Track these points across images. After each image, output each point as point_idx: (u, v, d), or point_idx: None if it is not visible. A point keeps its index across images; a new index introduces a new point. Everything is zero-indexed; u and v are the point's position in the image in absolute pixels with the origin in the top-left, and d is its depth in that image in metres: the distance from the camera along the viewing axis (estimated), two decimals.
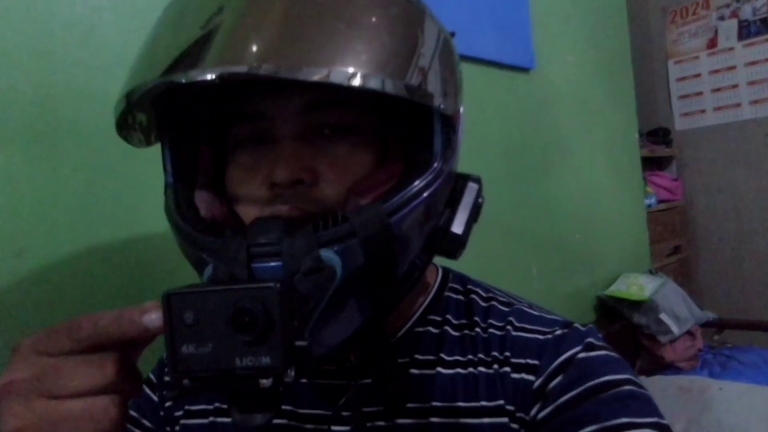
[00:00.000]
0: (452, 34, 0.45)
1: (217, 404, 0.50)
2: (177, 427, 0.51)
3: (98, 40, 0.70)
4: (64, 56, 0.68)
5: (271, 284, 0.29)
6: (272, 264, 0.35)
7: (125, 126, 0.44)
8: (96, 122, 0.69)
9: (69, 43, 0.68)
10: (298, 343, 0.29)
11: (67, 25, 0.68)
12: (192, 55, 0.34)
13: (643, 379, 1.54)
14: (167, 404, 0.52)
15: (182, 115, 0.45)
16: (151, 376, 0.55)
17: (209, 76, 0.32)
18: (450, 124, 0.42)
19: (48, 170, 0.66)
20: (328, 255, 0.35)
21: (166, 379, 0.53)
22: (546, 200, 1.51)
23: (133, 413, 0.54)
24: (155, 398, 0.53)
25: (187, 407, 0.51)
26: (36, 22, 0.66)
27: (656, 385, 1.49)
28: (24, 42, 0.65)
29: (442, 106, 0.39)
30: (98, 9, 0.71)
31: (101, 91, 0.70)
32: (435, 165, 0.40)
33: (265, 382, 0.28)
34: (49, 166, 0.66)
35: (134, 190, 0.72)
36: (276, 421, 0.46)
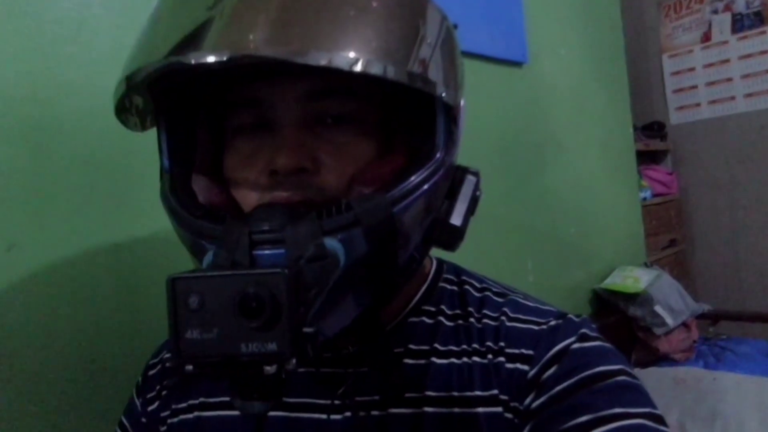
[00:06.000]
0: (455, 26, 0.44)
1: (202, 399, 0.49)
2: (163, 427, 0.51)
3: (88, 35, 0.70)
4: (54, 51, 0.67)
5: (279, 270, 0.29)
6: (274, 251, 0.35)
7: (123, 109, 0.43)
8: (87, 116, 0.69)
9: (59, 39, 0.68)
10: (306, 329, 0.29)
11: (56, 20, 0.67)
12: (196, 37, 0.33)
13: (638, 371, 1.55)
14: (149, 408, 0.52)
15: (179, 99, 0.44)
16: (139, 381, 0.55)
17: (213, 58, 0.32)
18: (452, 115, 0.42)
19: (39, 165, 0.66)
20: (332, 243, 0.35)
21: (167, 365, 0.53)
22: (541, 194, 1.51)
23: (126, 422, 0.54)
24: (138, 405, 0.53)
25: (174, 406, 0.51)
26: (25, 18, 0.65)
27: (651, 377, 1.50)
28: (13, 37, 0.64)
29: (444, 95, 0.38)
30: (87, 4, 0.70)
31: (92, 85, 0.69)
32: (437, 156, 0.41)
33: (269, 369, 0.28)
34: (40, 160, 0.66)
35: (127, 184, 0.72)
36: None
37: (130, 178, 0.72)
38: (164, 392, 0.52)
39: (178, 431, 0.50)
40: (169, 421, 0.50)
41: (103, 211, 0.70)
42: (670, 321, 1.64)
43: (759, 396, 1.30)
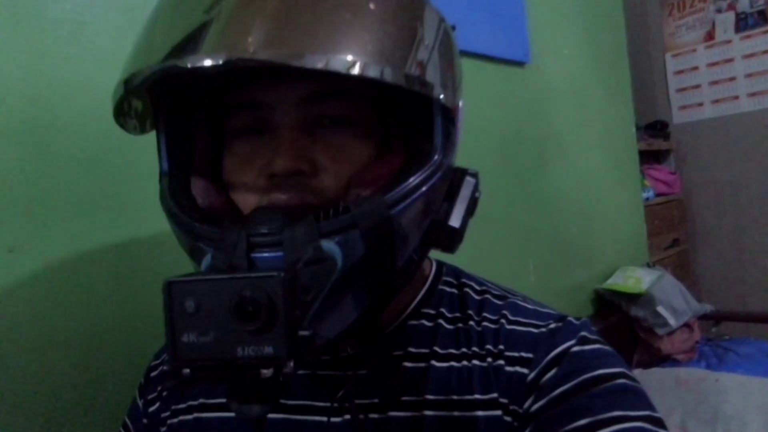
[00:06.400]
0: (453, 27, 0.44)
1: (201, 400, 0.50)
2: (163, 428, 0.51)
3: (89, 36, 0.70)
4: (56, 52, 0.67)
5: (275, 273, 0.29)
6: (272, 254, 0.35)
7: (122, 112, 0.43)
8: (88, 117, 0.69)
9: (60, 39, 0.68)
10: (302, 332, 0.29)
11: (57, 21, 0.68)
12: (193, 41, 0.33)
13: (640, 372, 1.55)
14: (150, 409, 0.52)
15: (178, 101, 0.45)
16: (141, 383, 0.56)
17: (210, 62, 0.32)
18: (449, 117, 0.42)
19: (41, 165, 0.66)
20: (329, 246, 0.35)
21: (165, 368, 0.53)
22: (542, 194, 1.51)
23: (128, 422, 0.55)
24: (140, 406, 0.54)
25: (173, 407, 0.51)
26: (26, 19, 0.65)
27: (653, 378, 1.49)
28: (15, 38, 0.64)
29: (441, 97, 0.39)
30: (89, 5, 0.70)
31: (93, 86, 0.69)
32: (435, 158, 0.41)
33: (266, 372, 0.28)
34: (42, 161, 0.66)
35: (129, 186, 0.72)
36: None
37: (131, 179, 0.72)
38: (164, 393, 0.52)
39: (177, 431, 0.50)
40: (169, 421, 0.51)
41: (105, 213, 0.70)
42: (672, 321, 1.64)
43: (762, 397, 1.29)
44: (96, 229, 0.70)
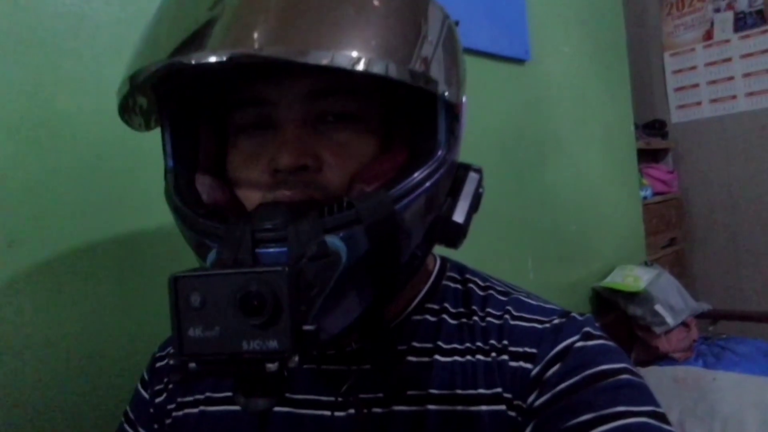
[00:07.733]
0: (456, 23, 0.44)
1: (208, 393, 0.50)
2: (168, 420, 0.51)
3: (89, 30, 0.69)
4: (55, 46, 0.67)
5: (280, 268, 0.29)
6: (277, 249, 0.35)
7: (126, 109, 0.43)
8: (88, 111, 0.68)
9: (59, 33, 0.67)
10: (306, 327, 0.29)
11: (56, 14, 0.67)
12: (198, 37, 0.34)
13: (637, 370, 1.55)
14: (157, 400, 0.52)
15: (183, 98, 0.45)
16: (145, 374, 0.55)
17: (214, 58, 0.32)
18: (453, 112, 0.42)
19: (40, 159, 0.65)
20: (333, 241, 0.35)
21: (171, 362, 0.53)
22: (541, 192, 1.51)
23: (131, 415, 0.54)
24: (146, 396, 0.54)
25: (179, 399, 0.51)
26: (25, 12, 0.65)
27: (651, 376, 1.50)
28: (13, 31, 0.64)
29: (446, 93, 0.39)
30: None
31: (92, 80, 0.69)
32: (439, 154, 0.41)
33: (271, 366, 0.28)
34: (41, 155, 0.65)
35: (130, 180, 0.72)
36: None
37: (132, 173, 0.72)
38: (171, 385, 0.52)
39: (182, 424, 0.50)
40: (174, 414, 0.51)
41: (106, 207, 0.70)
42: (670, 320, 1.65)
43: (758, 395, 1.30)
44: (97, 222, 0.69)
